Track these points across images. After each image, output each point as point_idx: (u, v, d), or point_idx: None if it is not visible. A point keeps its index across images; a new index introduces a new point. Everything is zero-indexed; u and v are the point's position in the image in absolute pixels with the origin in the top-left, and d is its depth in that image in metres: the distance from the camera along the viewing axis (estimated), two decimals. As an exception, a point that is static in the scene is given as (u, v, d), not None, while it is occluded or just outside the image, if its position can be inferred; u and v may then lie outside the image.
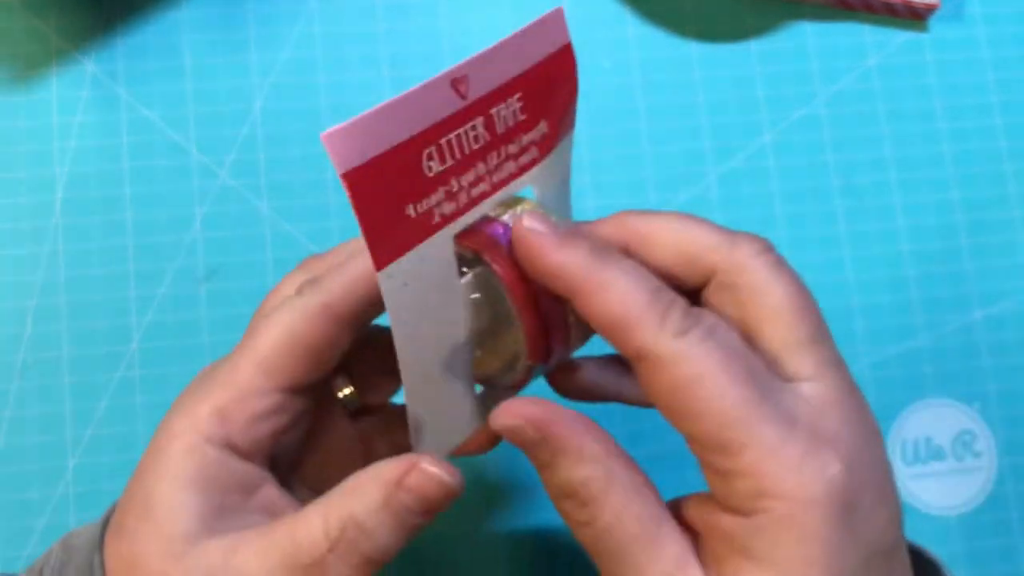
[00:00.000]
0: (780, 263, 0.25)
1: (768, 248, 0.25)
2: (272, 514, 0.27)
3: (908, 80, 0.45)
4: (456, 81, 0.24)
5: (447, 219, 0.25)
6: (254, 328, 0.27)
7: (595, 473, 0.24)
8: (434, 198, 0.24)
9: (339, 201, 0.42)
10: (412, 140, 0.23)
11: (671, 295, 0.24)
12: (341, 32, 0.43)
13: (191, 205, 0.41)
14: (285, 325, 0.27)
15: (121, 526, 0.26)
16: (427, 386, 0.26)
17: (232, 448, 0.26)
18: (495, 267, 0.25)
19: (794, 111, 0.44)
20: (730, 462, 0.22)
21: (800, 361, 0.24)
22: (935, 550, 0.41)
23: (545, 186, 0.27)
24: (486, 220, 0.26)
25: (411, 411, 0.26)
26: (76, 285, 0.40)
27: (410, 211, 0.24)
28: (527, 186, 0.27)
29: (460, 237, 0.25)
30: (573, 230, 0.25)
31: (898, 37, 0.45)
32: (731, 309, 0.25)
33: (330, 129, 0.22)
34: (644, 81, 0.44)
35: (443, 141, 0.24)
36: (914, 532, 0.43)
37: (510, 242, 0.25)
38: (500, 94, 0.25)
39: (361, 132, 0.22)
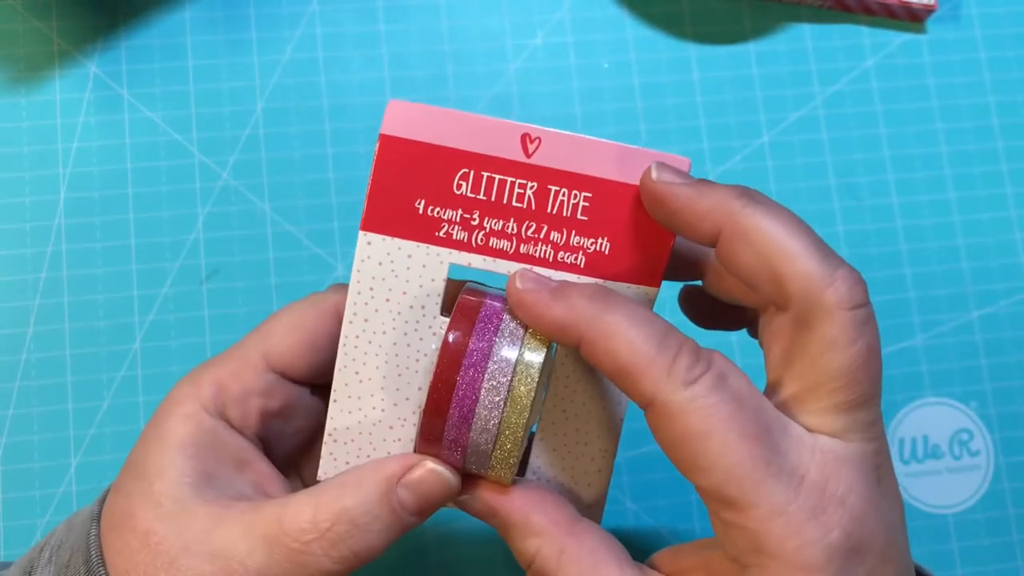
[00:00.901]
0: (866, 321, 0.23)
1: (860, 303, 0.23)
2: (262, 490, 0.27)
3: (906, 81, 0.45)
4: (527, 137, 0.25)
5: (453, 243, 0.26)
6: (272, 315, 0.29)
7: (545, 546, 0.24)
8: (449, 214, 0.26)
9: (340, 202, 0.42)
10: (455, 152, 0.25)
11: (679, 339, 0.23)
12: (342, 33, 0.43)
13: (193, 205, 0.41)
14: (296, 313, 0.28)
15: (119, 484, 0.27)
16: (363, 379, 0.26)
17: (225, 419, 0.27)
18: (446, 334, 0.24)
19: (792, 112, 0.44)
20: (734, 516, 0.22)
21: (832, 421, 0.23)
22: (932, 548, 0.41)
23: None
24: (496, 292, 0.26)
25: (335, 398, 0.26)
26: (79, 285, 0.40)
27: (419, 206, 0.25)
28: None
29: (467, 289, 0.26)
30: (573, 283, 0.24)
31: (896, 39, 0.45)
32: (787, 344, 0.24)
33: (398, 100, 0.25)
34: (643, 82, 0.44)
35: (484, 174, 0.25)
36: (911, 531, 0.43)
37: (497, 323, 0.25)
38: (568, 180, 0.25)
39: (419, 116, 0.25)
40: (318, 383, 0.30)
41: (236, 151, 0.42)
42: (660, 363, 0.22)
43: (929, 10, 0.44)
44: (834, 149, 0.44)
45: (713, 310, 0.30)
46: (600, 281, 0.26)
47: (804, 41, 0.45)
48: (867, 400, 0.23)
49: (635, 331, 0.23)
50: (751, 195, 0.24)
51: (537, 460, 0.27)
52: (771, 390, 0.24)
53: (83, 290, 0.40)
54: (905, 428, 0.42)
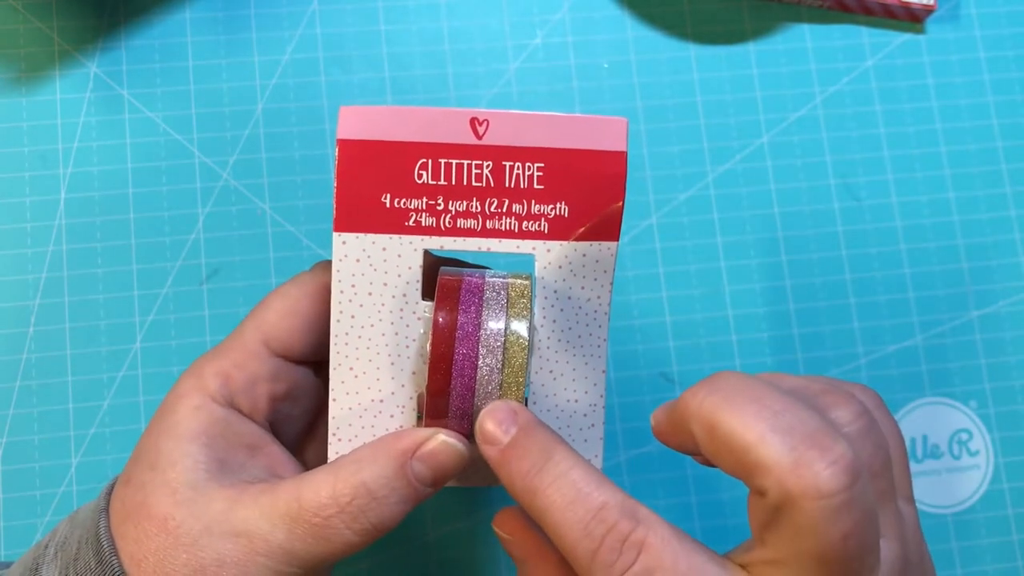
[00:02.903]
0: (840, 508, 0.21)
1: (832, 492, 0.21)
2: (275, 473, 0.28)
3: (905, 81, 0.45)
4: (476, 120, 0.27)
5: (422, 230, 0.27)
6: (263, 300, 0.29)
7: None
8: (414, 203, 0.27)
9: (340, 201, 0.42)
10: (411, 145, 0.26)
11: (610, 521, 0.22)
12: (343, 34, 0.43)
13: (193, 206, 0.41)
14: (289, 297, 0.29)
15: (129, 477, 0.27)
16: (358, 374, 0.27)
17: (235, 408, 0.28)
18: (434, 314, 0.26)
19: (792, 112, 0.44)
20: None
21: None
22: (932, 548, 0.41)
23: (550, 269, 0.27)
24: (477, 270, 0.27)
25: (333, 396, 0.27)
26: (79, 285, 0.40)
27: (385, 200, 0.27)
28: (528, 253, 0.27)
29: (443, 271, 0.27)
30: (526, 429, 0.25)
31: (895, 39, 0.45)
32: (763, 516, 0.22)
33: (349, 106, 0.26)
34: (643, 82, 0.44)
35: (442, 161, 0.27)
36: (911, 530, 0.43)
37: (479, 297, 0.26)
38: (519, 154, 0.27)
39: (372, 117, 0.26)
40: (318, 361, 0.30)
41: (236, 151, 0.42)
42: (584, 550, 0.22)
43: (928, 10, 0.44)
44: (833, 149, 0.44)
45: None
46: (568, 244, 0.27)
47: (804, 41, 0.45)
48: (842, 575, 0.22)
49: (562, 514, 0.23)
50: (707, 385, 0.23)
51: None
52: (753, 544, 0.24)
53: (83, 290, 0.40)
54: (905, 428, 0.42)
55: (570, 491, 0.23)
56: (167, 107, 0.42)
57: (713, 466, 0.25)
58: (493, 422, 0.25)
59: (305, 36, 0.43)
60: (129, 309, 0.40)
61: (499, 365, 0.25)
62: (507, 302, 0.26)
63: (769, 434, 0.21)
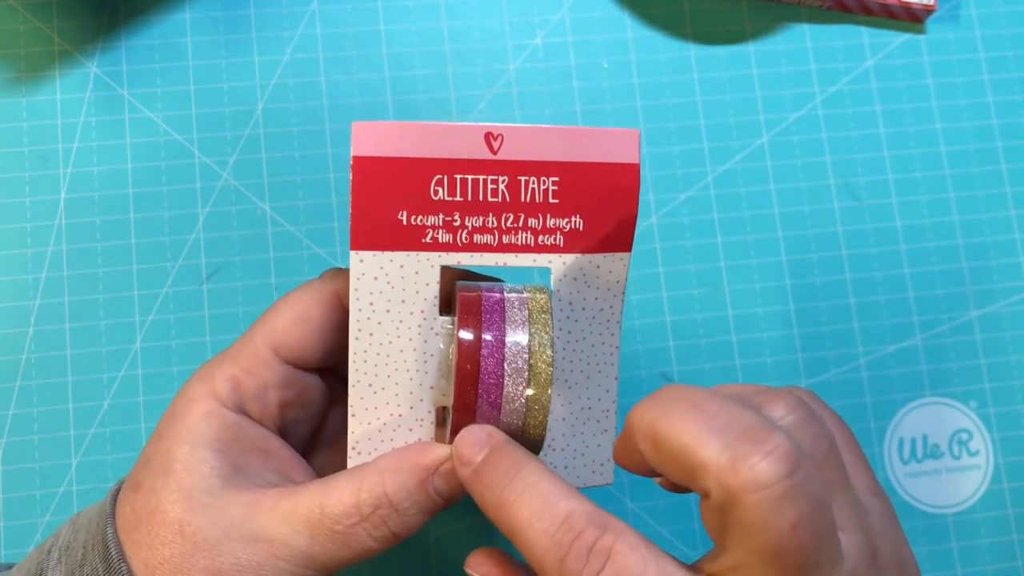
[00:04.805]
0: (783, 497, 0.21)
1: (772, 482, 0.20)
2: (288, 477, 0.28)
3: (905, 81, 0.45)
4: (490, 135, 0.27)
5: (439, 246, 0.27)
6: (273, 307, 0.29)
7: None
8: (431, 219, 0.27)
9: (340, 202, 0.42)
10: (426, 161, 0.26)
11: (577, 529, 0.22)
12: (343, 34, 0.43)
13: (193, 205, 0.41)
14: (299, 304, 0.29)
15: (139, 483, 0.27)
16: (377, 390, 0.27)
17: (245, 414, 0.28)
18: (457, 332, 0.26)
19: (792, 112, 0.44)
20: None
21: None
22: (932, 548, 0.41)
23: (565, 281, 0.28)
24: (494, 284, 0.27)
25: (353, 412, 0.27)
26: (79, 285, 0.40)
27: (402, 218, 0.27)
28: (544, 267, 0.28)
29: (460, 287, 0.27)
30: (498, 448, 0.25)
31: (895, 39, 0.45)
32: (715, 521, 0.22)
33: (361, 121, 0.26)
34: (643, 83, 0.44)
35: (457, 177, 0.27)
36: (911, 530, 0.43)
37: (501, 312, 0.26)
38: (534, 168, 0.27)
39: (385, 133, 0.26)
40: (327, 367, 0.30)
41: (236, 151, 0.42)
42: (552, 558, 0.22)
43: (928, 10, 0.44)
44: (833, 149, 0.44)
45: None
46: (583, 256, 0.27)
47: (804, 41, 0.45)
48: (801, 570, 0.21)
49: (530, 524, 0.23)
50: (648, 399, 0.24)
51: (550, 432, 0.28)
52: (717, 552, 0.23)
53: (83, 290, 0.40)
54: (904, 428, 0.42)
55: (538, 502, 0.23)
56: (167, 107, 0.42)
57: (677, 490, 0.25)
58: (468, 445, 0.25)
59: (305, 36, 0.43)
60: (129, 309, 0.40)
61: (525, 381, 0.25)
62: (528, 317, 0.26)
63: (705, 435, 0.21)
